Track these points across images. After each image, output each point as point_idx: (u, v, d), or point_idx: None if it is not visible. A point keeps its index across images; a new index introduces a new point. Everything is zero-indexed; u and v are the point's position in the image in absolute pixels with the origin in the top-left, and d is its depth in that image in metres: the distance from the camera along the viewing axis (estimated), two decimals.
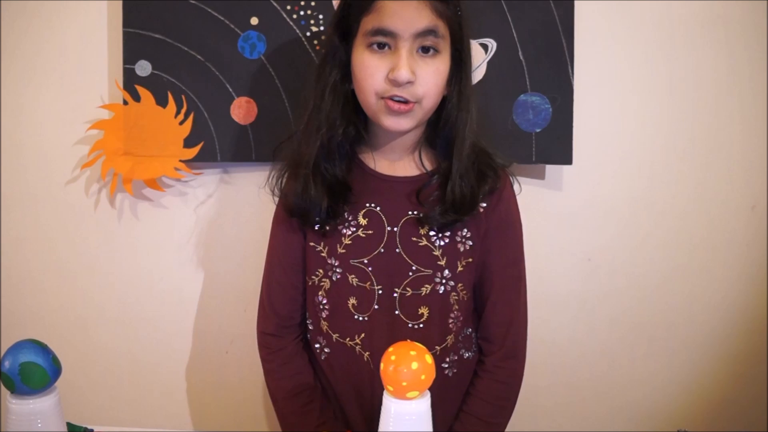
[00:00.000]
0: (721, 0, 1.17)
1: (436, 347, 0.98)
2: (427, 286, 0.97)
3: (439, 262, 0.96)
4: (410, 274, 0.96)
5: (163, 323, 1.29)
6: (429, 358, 0.70)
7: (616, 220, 1.24)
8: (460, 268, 0.97)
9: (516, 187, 1.02)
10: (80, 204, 1.26)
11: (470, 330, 1.03)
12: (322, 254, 0.98)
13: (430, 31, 0.87)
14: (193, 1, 1.14)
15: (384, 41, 0.88)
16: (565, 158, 1.16)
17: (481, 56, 1.14)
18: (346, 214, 0.97)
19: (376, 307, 0.97)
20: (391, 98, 0.88)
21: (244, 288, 1.25)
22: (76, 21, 1.21)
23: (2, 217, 1.26)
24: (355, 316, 0.98)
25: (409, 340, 0.72)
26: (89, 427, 0.85)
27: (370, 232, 0.97)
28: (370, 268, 0.96)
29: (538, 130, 1.15)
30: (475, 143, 0.96)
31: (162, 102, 1.16)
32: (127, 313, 1.28)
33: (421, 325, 0.97)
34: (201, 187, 1.24)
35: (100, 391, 1.30)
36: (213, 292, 1.28)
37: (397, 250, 0.96)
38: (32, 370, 0.70)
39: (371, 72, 0.89)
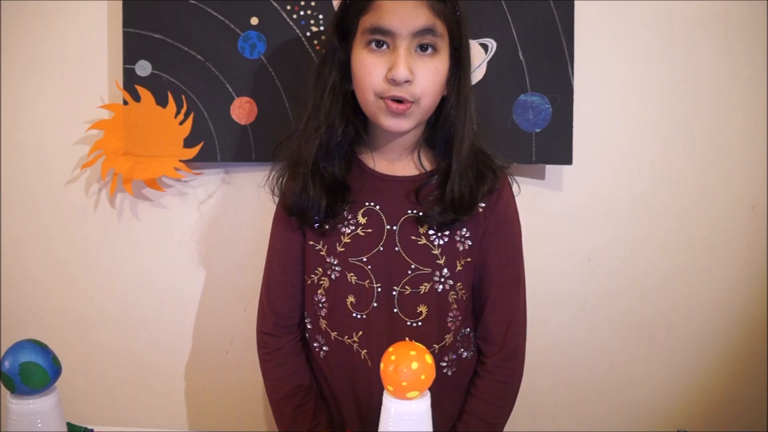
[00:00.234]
0: (721, 0, 1.17)
1: (435, 346, 0.98)
2: (425, 284, 0.97)
3: (438, 261, 0.96)
4: (409, 272, 0.96)
5: (162, 323, 1.29)
6: (429, 358, 0.70)
7: (616, 220, 1.24)
8: (458, 268, 0.97)
9: (515, 188, 1.03)
10: (80, 204, 1.26)
11: (469, 330, 1.03)
12: (321, 253, 0.99)
13: (427, 30, 0.88)
14: (193, 1, 1.15)
15: (382, 40, 0.88)
16: (565, 158, 1.16)
17: (481, 56, 1.14)
18: (345, 212, 0.97)
19: (375, 304, 0.97)
20: (390, 98, 0.88)
21: (244, 288, 1.25)
22: (76, 21, 1.21)
23: (2, 217, 1.26)
24: (354, 314, 0.98)
25: (408, 340, 0.72)
26: (89, 427, 0.85)
27: (370, 230, 0.97)
28: (369, 266, 0.97)
29: (538, 130, 1.15)
30: (474, 143, 0.96)
31: (162, 102, 1.16)
32: (127, 313, 1.28)
33: (420, 323, 0.97)
34: (201, 187, 1.24)
35: (100, 391, 1.30)
36: (213, 292, 1.28)
37: (396, 249, 0.96)
38: (32, 370, 0.70)
39: (370, 71, 0.89)
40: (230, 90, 1.17)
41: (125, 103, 1.17)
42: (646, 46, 1.19)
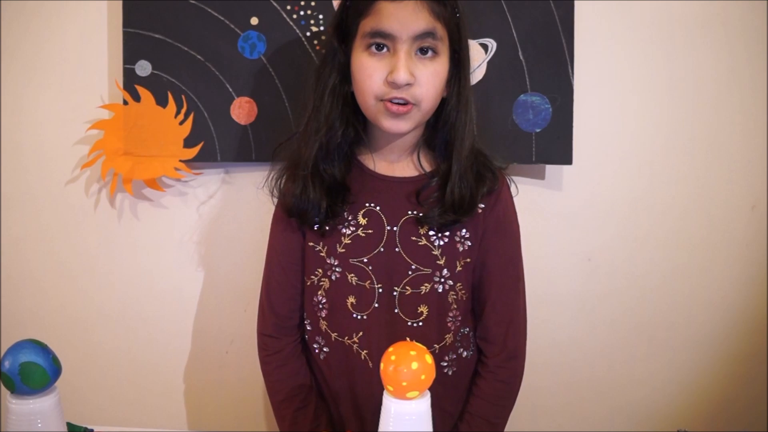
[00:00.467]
0: (721, 0, 1.17)
1: (435, 345, 0.99)
2: (426, 285, 0.97)
3: (438, 262, 0.97)
4: (410, 273, 0.96)
5: (162, 323, 1.29)
6: (429, 358, 0.70)
7: (616, 220, 1.24)
8: (458, 268, 0.98)
9: (513, 189, 1.03)
10: (80, 204, 1.26)
11: (468, 329, 1.03)
12: (321, 254, 0.99)
13: (428, 33, 0.88)
14: (193, 1, 1.15)
15: (382, 43, 0.88)
16: (565, 158, 1.16)
17: (481, 56, 1.14)
18: (345, 213, 0.97)
19: (376, 305, 0.97)
20: (390, 101, 0.89)
21: (244, 288, 1.25)
22: (76, 21, 1.21)
23: (2, 217, 1.26)
24: (354, 315, 0.98)
25: (408, 340, 0.73)
26: (89, 427, 0.85)
27: (370, 231, 0.97)
28: (370, 267, 0.97)
29: (538, 130, 1.15)
30: (474, 144, 0.96)
31: (162, 102, 1.16)
32: (127, 313, 1.28)
33: (421, 324, 0.98)
34: (201, 187, 1.24)
35: (100, 391, 1.30)
36: (213, 292, 1.28)
37: (397, 249, 0.96)
38: (32, 370, 0.70)
39: (370, 74, 0.89)
40: (230, 90, 1.17)
41: (125, 103, 1.17)
42: (646, 46, 1.19)
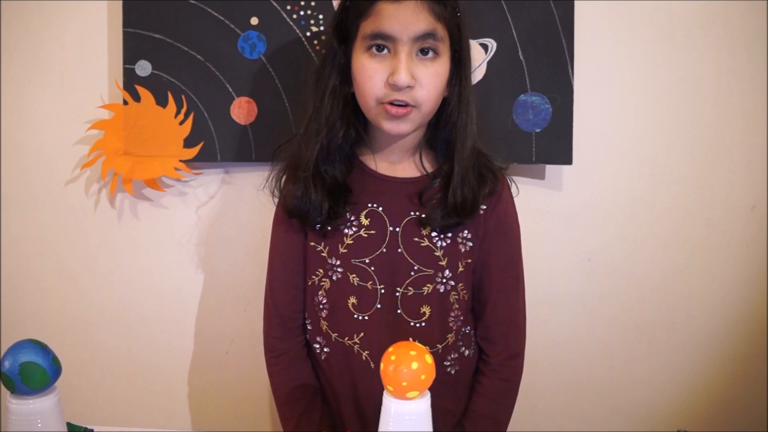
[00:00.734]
0: (721, 0, 1.17)
1: (438, 345, 0.99)
2: (428, 285, 0.97)
3: (440, 263, 0.97)
4: (412, 273, 0.96)
5: (162, 323, 1.28)
6: (429, 358, 0.70)
7: (616, 220, 1.24)
8: (460, 269, 0.98)
9: (513, 189, 1.03)
10: (80, 204, 1.26)
11: (469, 328, 1.03)
12: (323, 254, 0.99)
13: (428, 35, 0.87)
14: (193, 1, 1.14)
15: (383, 45, 0.88)
16: (565, 158, 1.16)
17: (481, 56, 1.14)
18: (347, 214, 0.97)
19: (378, 306, 0.97)
20: (391, 103, 0.88)
21: (244, 288, 1.25)
22: (76, 21, 1.21)
23: (2, 217, 1.26)
24: (355, 315, 0.98)
25: (409, 340, 0.72)
26: (89, 427, 0.85)
27: (373, 232, 0.97)
28: (372, 268, 0.97)
29: (538, 130, 1.15)
30: (474, 145, 0.96)
31: (162, 102, 1.16)
32: (127, 313, 1.28)
33: (423, 324, 0.98)
34: (201, 187, 1.24)
35: (100, 391, 1.30)
36: (213, 292, 1.28)
37: (399, 250, 0.96)
38: (32, 370, 0.70)
39: (371, 75, 0.89)
40: (230, 90, 1.17)
41: (125, 103, 1.17)
42: (646, 46, 1.19)
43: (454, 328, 1.00)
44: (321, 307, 1.00)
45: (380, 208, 0.97)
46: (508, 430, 1.04)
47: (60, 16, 1.21)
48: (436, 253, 0.96)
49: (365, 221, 0.97)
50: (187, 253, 1.26)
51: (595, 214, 1.24)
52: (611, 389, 1.28)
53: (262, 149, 1.17)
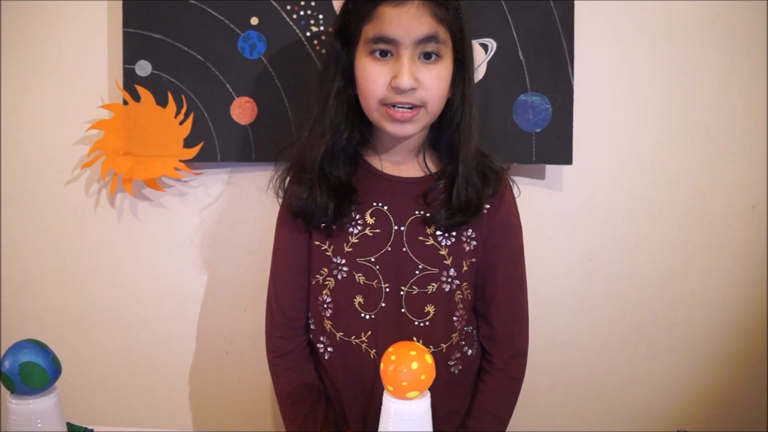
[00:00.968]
0: (721, 0, 1.17)
1: (442, 345, 0.99)
2: (433, 284, 0.97)
3: (445, 262, 0.97)
4: (417, 272, 0.97)
5: (163, 323, 1.28)
6: (429, 358, 0.70)
7: (616, 220, 1.24)
8: (465, 268, 0.98)
9: (515, 189, 1.03)
10: (80, 204, 1.26)
11: (471, 328, 1.03)
12: (327, 253, 0.99)
13: (430, 38, 0.88)
14: (193, 1, 1.14)
15: (386, 48, 0.88)
16: (565, 158, 1.16)
17: (481, 56, 1.14)
18: (353, 213, 0.97)
19: (383, 305, 0.97)
20: (394, 106, 0.89)
21: (244, 288, 1.25)
22: (76, 21, 1.21)
23: (2, 217, 1.26)
24: (362, 314, 0.98)
25: (416, 340, 0.72)
26: (89, 427, 0.85)
27: (378, 230, 0.97)
28: (377, 267, 0.97)
29: (538, 130, 1.15)
30: (476, 146, 0.96)
31: (162, 102, 1.16)
32: (128, 313, 1.28)
33: (427, 323, 0.98)
34: (201, 187, 1.24)
35: (100, 391, 1.30)
36: (213, 292, 1.28)
37: (404, 249, 0.97)
38: (32, 370, 0.70)
39: (373, 79, 0.89)
40: (230, 90, 1.17)
41: (125, 103, 1.17)
42: (646, 47, 1.19)
43: (459, 327, 1.00)
44: (325, 306, 1.00)
45: (385, 207, 0.97)
46: (508, 430, 1.04)
47: (60, 17, 1.21)
48: (440, 252, 0.97)
49: (370, 220, 0.97)
50: (187, 253, 1.26)
51: (595, 215, 1.24)
52: (611, 389, 1.28)
53: (263, 149, 1.17)
